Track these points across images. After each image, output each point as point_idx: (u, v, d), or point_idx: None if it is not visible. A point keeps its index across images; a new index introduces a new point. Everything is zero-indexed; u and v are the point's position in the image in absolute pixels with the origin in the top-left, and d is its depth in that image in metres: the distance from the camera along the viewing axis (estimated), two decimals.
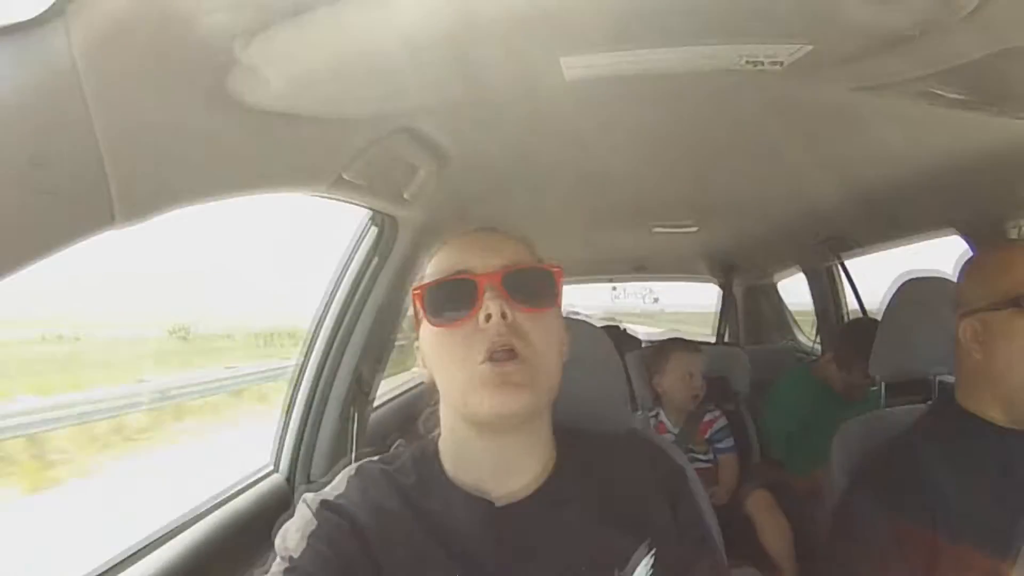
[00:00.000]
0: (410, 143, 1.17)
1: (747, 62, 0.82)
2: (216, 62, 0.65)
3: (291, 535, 0.73)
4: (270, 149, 0.85)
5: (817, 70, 0.85)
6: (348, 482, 0.78)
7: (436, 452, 0.81)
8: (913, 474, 1.10)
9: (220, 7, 0.56)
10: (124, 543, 1.08)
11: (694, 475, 0.97)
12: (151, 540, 1.09)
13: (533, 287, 0.76)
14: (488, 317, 0.71)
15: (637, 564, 0.77)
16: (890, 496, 1.10)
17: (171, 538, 1.11)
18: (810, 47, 0.76)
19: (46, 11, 0.50)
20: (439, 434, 0.82)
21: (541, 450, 0.80)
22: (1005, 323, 1.07)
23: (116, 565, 1.00)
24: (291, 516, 0.75)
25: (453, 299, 0.74)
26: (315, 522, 0.73)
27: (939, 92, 0.91)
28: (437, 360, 0.76)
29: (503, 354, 0.71)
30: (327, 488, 0.78)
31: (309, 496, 0.77)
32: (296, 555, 0.70)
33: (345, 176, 1.07)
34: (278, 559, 0.72)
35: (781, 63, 0.81)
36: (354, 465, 0.81)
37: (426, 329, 0.77)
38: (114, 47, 0.55)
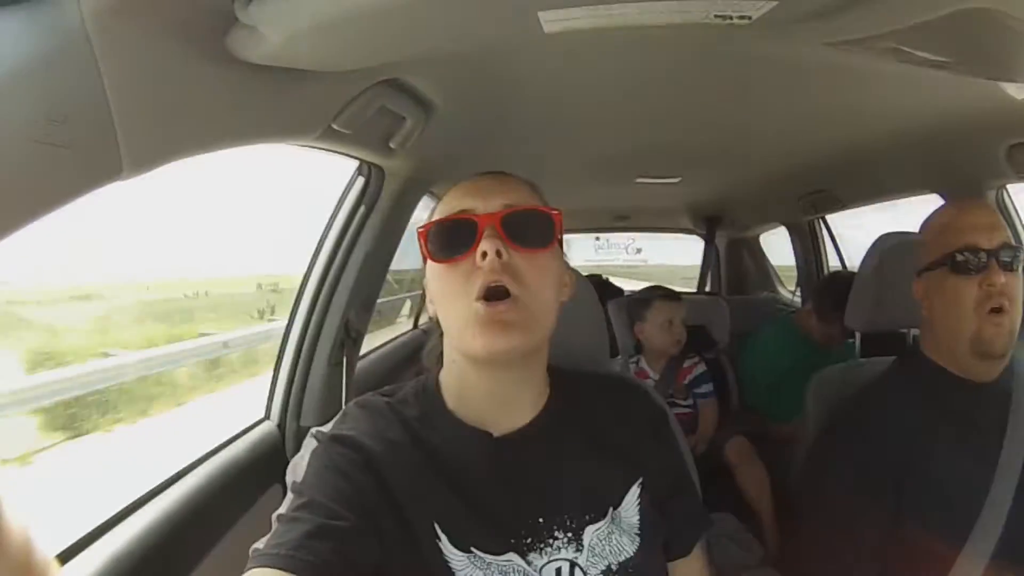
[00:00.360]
0: (396, 94, 1.18)
1: (716, 16, 0.84)
2: (215, 22, 0.67)
3: (302, 469, 0.75)
4: (265, 101, 0.87)
5: (786, 25, 0.87)
6: (354, 415, 0.81)
7: (437, 386, 0.84)
8: (881, 421, 1.14)
9: None
10: None
11: (674, 419, 1.02)
12: (151, 489, 1.14)
13: (531, 228, 0.77)
14: (484, 255, 0.73)
15: (626, 499, 0.81)
16: (860, 442, 1.14)
17: (170, 485, 1.16)
18: (775, 3, 0.78)
19: None
20: (440, 368, 0.85)
21: (537, 386, 0.83)
22: (940, 281, 1.11)
23: (120, 512, 1.05)
24: (302, 454, 0.77)
25: (454, 238, 0.76)
26: (326, 455, 0.75)
27: (906, 49, 0.93)
28: (439, 296, 0.79)
29: (496, 291, 0.73)
30: (333, 422, 0.80)
31: (317, 431, 0.79)
32: (309, 488, 0.72)
33: (334, 126, 1.09)
34: (291, 495, 0.73)
35: (749, 17, 0.83)
36: (358, 399, 0.83)
37: (430, 267, 0.79)
38: (122, 11, 0.58)
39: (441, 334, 0.83)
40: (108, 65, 0.59)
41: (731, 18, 0.85)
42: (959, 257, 1.08)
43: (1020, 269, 1.09)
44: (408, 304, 2.97)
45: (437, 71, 1.17)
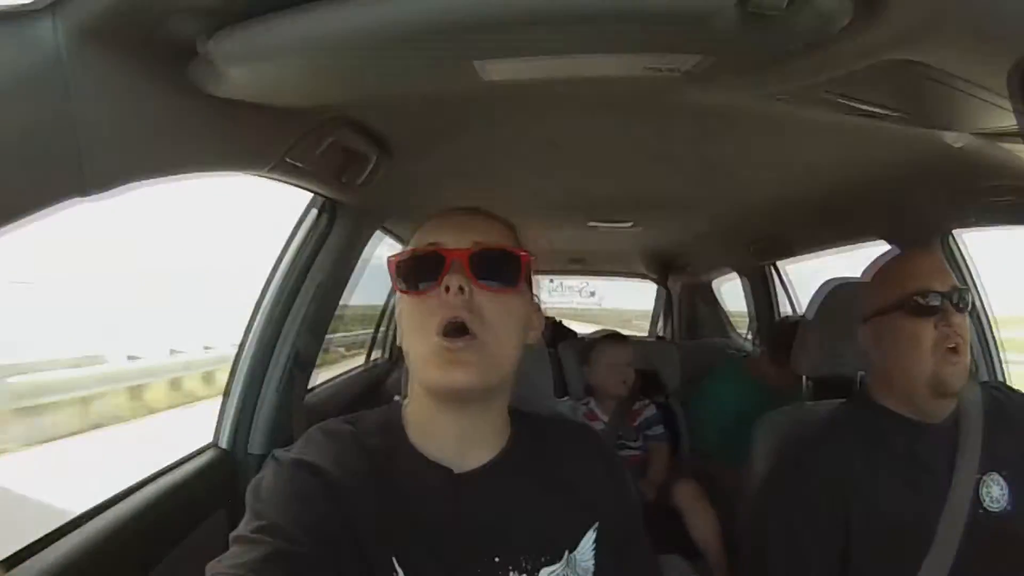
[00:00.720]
0: (349, 131, 1.25)
1: (647, 69, 0.88)
2: (179, 54, 0.74)
3: (264, 492, 0.73)
4: (222, 131, 0.93)
5: (718, 78, 0.91)
6: (318, 440, 0.79)
7: (400, 418, 0.83)
8: (827, 462, 1.14)
9: (186, 9, 0.65)
10: None
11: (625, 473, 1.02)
12: (96, 505, 1.14)
13: (498, 267, 0.78)
14: (447, 289, 0.74)
15: (582, 543, 0.82)
16: (804, 488, 1.14)
17: (114, 504, 1.16)
18: (699, 57, 0.82)
19: (38, 2, 0.59)
20: (404, 400, 0.86)
21: (497, 425, 0.84)
22: (894, 325, 1.13)
23: (59, 528, 1.05)
24: (263, 476, 0.76)
25: (421, 271, 0.77)
26: (288, 479, 0.73)
27: (840, 101, 0.99)
28: (405, 328, 0.80)
29: (456, 327, 0.74)
30: (296, 446, 0.79)
31: (281, 454, 0.77)
32: (269, 511, 0.70)
33: (287, 159, 1.15)
34: (248, 515, 0.71)
35: (677, 70, 0.87)
36: (322, 425, 0.83)
37: (400, 297, 0.81)
38: (95, 39, 0.64)
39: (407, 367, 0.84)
40: (78, 86, 0.65)
41: (661, 71, 0.89)
42: (915, 300, 1.10)
43: (967, 311, 1.12)
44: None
45: (388, 111, 1.23)
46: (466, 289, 0.74)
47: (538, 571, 0.78)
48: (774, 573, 1.13)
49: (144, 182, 0.82)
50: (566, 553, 0.80)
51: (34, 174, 0.66)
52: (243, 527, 0.70)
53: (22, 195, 0.66)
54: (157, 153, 0.83)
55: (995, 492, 1.10)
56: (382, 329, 3.05)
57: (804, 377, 1.81)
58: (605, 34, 0.78)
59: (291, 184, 1.37)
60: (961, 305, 1.11)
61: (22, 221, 0.68)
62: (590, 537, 0.83)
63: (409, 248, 0.81)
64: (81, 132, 0.68)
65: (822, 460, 1.16)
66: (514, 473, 0.82)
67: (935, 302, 1.10)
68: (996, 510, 1.09)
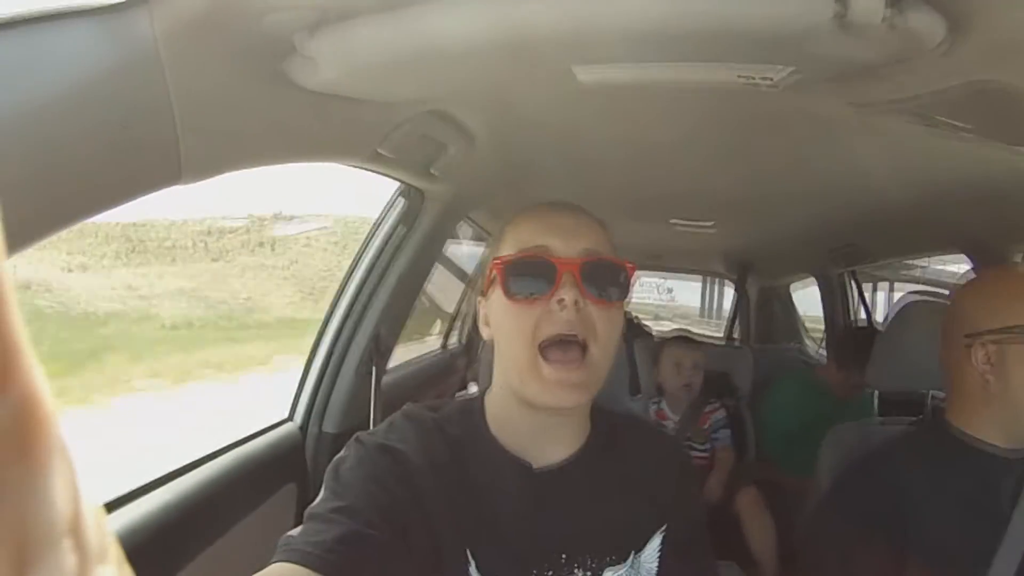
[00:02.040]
0: (439, 123, 1.25)
1: (740, 77, 0.88)
2: (276, 50, 0.75)
3: (344, 473, 0.73)
4: (316, 124, 0.95)
5: (810, 88, 0.90)
6: (402, 426, 0.79)
7: (482, 409, 0.83)
8: (889, 487, 1.11)
9: (284, 6, 0.66)
10: None
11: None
12: (168, 472, 1.17)
13: (607, 279, 0.77)
14: (561, 302, 0.73)
15: (649, 546, 0.82)
16: (864, 505, 1.11)
17: (189, 470, 1.20)
18: (792, 68, 0.82)
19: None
20: (486, 389, 0.86)
21: (580, 425, 0.84)
22: (1015, 349, 1.06)
23: (132, 492, 1.08)
24: (345, 456, 0.76)
25: (531, 277, 0.75)
26: (371, 462, 0.73)
27: (929, 115, 0.96)
28: (503, 330, 0.78)
29: (567, 343, 0.73)
30: (380, 430, 0.79)
31: (366, 437, 0.77)
32: (349, 492, 0.70)
33: (380, 150, 1.16)
34: (326, 494, 0.72)
35: (771, 80, 0.87)
36: (404, 409, 0.83)
37: (498, 298, 0.78)
38: (191, 32, 0.65)
39: (490, 359, 0.84)
40: (174, 78, 0.66)
41: (755, 80, 0.88)
42: None
43: None
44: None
45: (479, 106, 1.23)
46: (580, 304, 0.73)
47: (602, 571, 0.78)
48: None
49: (239, 169, 0.84)
50: (632, 554, 0.80)
51: (133, 161, 0.68)
52: (320, 505, 0.70)
53: (122, 181, 0.69)
54: (251, 143, 0.85)
55: None
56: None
57: (875, 392, 1.74)
58: (701, 46, 0.77)
59: (381, 174, 1.39)
60: None
61: (121, 205, 0.70)
62: (657, 540, 0.82)
63: (515, 250, 0.78)
64: (178, 121, 0.69)
65: (886, 479, 1.12)
66: (589, 471, 0.82)
67: None
68: None
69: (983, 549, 1.04)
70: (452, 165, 1.44)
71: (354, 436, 0.78)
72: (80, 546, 0.20)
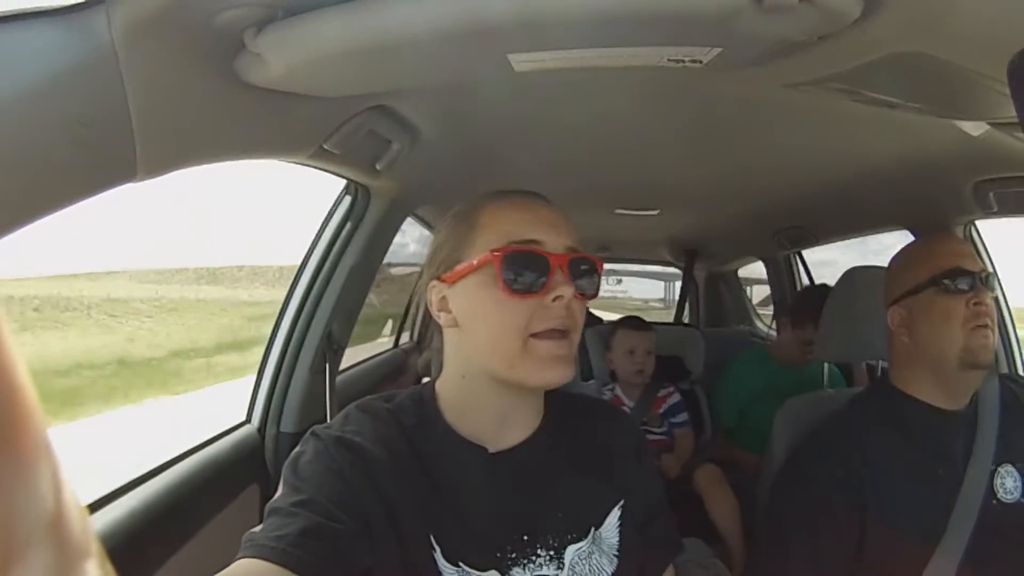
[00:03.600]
0: (384, 119, 1.27)
1: (669, 60, 0.91)
2: (226, 47, 0.77)
3: (302, 467, 0.74)
4: (264, 120, 0.96)
5: (739, 69, 0.94)
6: (357, 418, 0.80)
7: (434, 397, 0.84)
8: (843, 452, 1.16)
9: (235, 4, 0.68)
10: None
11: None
12: (131, 480, 1.17)
13: (587, 275, 0.81)
14: (559, 299, 0.76)
15: (607, 519, 0.84)
16: (823, 468, 1.16)
17: (151, 477, 1.20)
18: (720, 49, 0.85)
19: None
20: (435, 380, 0.87)
21: (536, 408, 0.86)
22: (926, 304, 1.15)
23: (96, 501, 1.08)
24: (303, 451, 0.77)
25: (527, 271, 0.76)
26: (328, 455, 0.74)
27: (858, 90, 1.01)
28: (488, 319, 0.78)
29: (558, 333, 0.77)
30: (336, 423, 0.80)
31: (321, 430, 0.78)
32: (308, 485, 0.71)
33: (325, 146, 1.18)
34: (286, 489, 0.72)
35: (700, 61, 0.90)
36: (359, 402, 0.84)
37: (482, 287, 0.78)
38: (146, 31, 0.66)
39: (440, 347, 0.86)
40: (131, 77, 0.68)
41: (684, 62, 0.92)
42: (947, 279, 1.13)
43: (992, 293, 1.15)
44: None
45: (422, 100, 1.25)
46: (566, 298, 0.76)
47: (564, 548, 0.79)
48: (791, 556, 1.15)
49: (191, 167, 0.86)
50: (592, 530, 0.82)
51: (89, 160, 0.69)
52: (281, 500, 0.71)
53: (77, 180, 0.69)
54: (203, 140, 0.87)
55: (1009, 483, 1.12)
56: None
57: (824, 364, 1.85)
58: (629, 30, 0.81)
59: (327, 171, 1.41)
60: (989, 286, 1.14)
61: (75, 205, 0.70)
62: (615, 514, 0.85)
63: (504, 241, 0.78)
64: (135, 120, 0.70)
65: (841, 445, 1.18)
66: (547, 452, 0.84)
67: (967, 281, 1.13)
68: (1010, 501, 1.11)
69: (941, 503, 1.11)
70: (397, 161, 1.46)
71: (310, 430, 0.79)
72: (64, 541, 0.21)
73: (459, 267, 0.80)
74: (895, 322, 1.21)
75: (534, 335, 0.76)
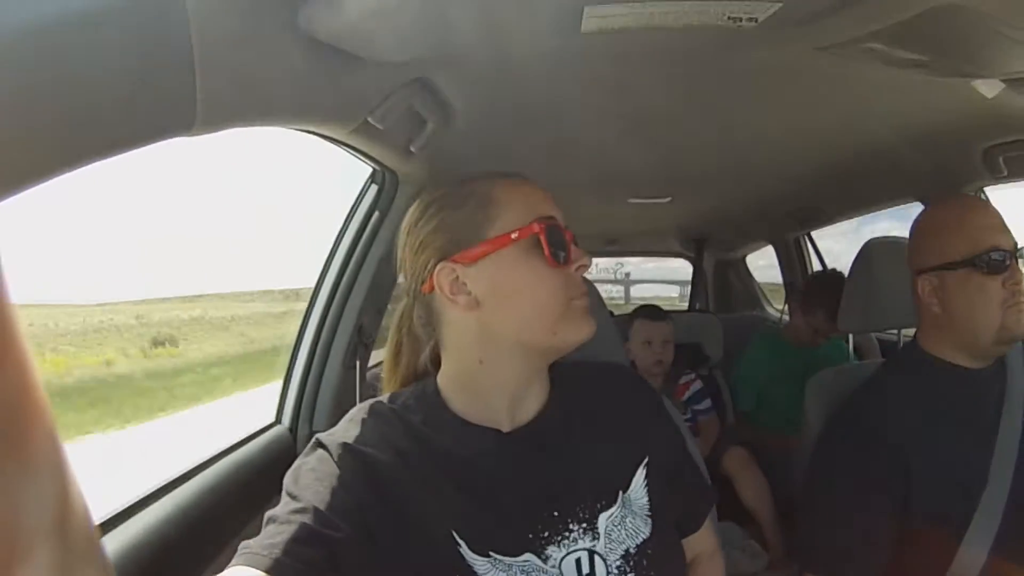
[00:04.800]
0: (424, 95, 1.23)
1: (728, 18, 0.93)
2: None
3: (303, 475, 0.73)
4: (319, 82, 0.91)
5: (784, 29, 0.96)
6: (362, 423, 0.79)
7: (437, 391, 0.84)
8: (881, 414, 1.17)
9: None
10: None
11: (669, 403, 1.05)
12: (162, 485, 1.12)
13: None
14: (583, 267, 0.82)
15: (634, 481, 0.83)
16: (861, 437, 1.16)
17: (181, 483, 1.14)
18: (780, 4, 0.88)
19: None
20: (435, 373, 0.86)
21: (544, 380, 0.85)
22: (962, 280, 1.15)
23: (129, 508, 1.03)
24: (305, 459, 0.76)
25: (562, 245, 0.79)
26: (330, 463, 0.74)
27: (887, 50, 1.02)
28: (529, 292, 0.78)
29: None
30: (339, 429, 0.79)
31: (325, 437, 0.77)
32: (307, 494, 0.70)
33: (369, 119, 1.14)
34: (287, 498, 0.71)
35: (756, 19, 0.93)
36: (363, 405, 0.83)
37: (513, 261, 0.78)
38: None
39: (435, 344, 0.86)
40: (197, 23, 0.62)
41: (741, 20, 0.94)
42: (987, 258, 1.13)
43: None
44: None
45: (464, 73, 1.21)
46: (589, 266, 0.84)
47: (596, 517, 0.78)
48: (840, 520, 1.14)
49: (246, 126, 0.80)
50: (620, 494, 0.81)
51: (148, 102, 0.63)
52: (279, 508, 0.70)
53: (135, 123, 0.64)
54: (261, 97, 0.81)
55: None
56: None
57: (850, 339, 1.86)
58: None
59: (360, 153, 1.35)
60: (1018, 261, 1.14)
61: (129, 152, 0.65)
62: (641, 474, 0.84)
63: (532, 218, 0.79)
64: (198, 64, 0.65)
65: (877, 407, 1.19)
66: (560, 424, 0.83)
67: (1005, 260, 1.13)
68: None
69: (980, 455, 1.11)
70: (430, 142, 1.41)
71: (313, 438, 0.78)
72: (69, 542, 0.22)
73: (480, 245, 0.78)
74: (925, 291, 1.21)
75: (576, 299, 0.80)
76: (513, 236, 0.77)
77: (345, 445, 0.75)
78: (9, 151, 0.50)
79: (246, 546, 0.66)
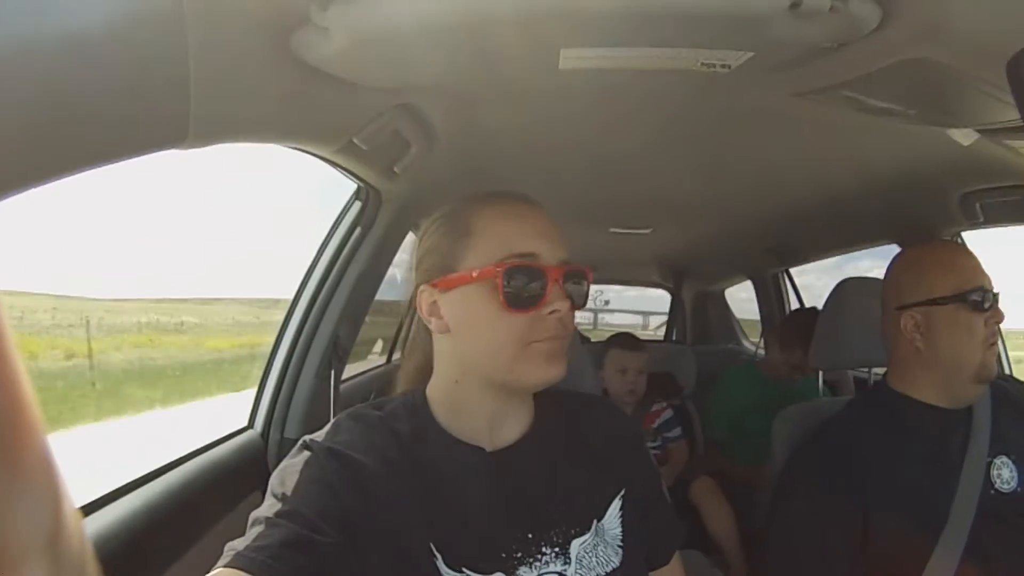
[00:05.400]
0: (409, 119, 1.28)
1: (702, 64, 0.96)
2: (289, 20, 0.77)
3: (289, 478, 0.72)
4: (307, 103, 0.96)
5: (759, 75, 0.99)
6: (348, 427, 0.79)
7: (426, 402, 0.84)
8: (845, 449, 1.19)
9: None
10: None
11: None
12: (132, 481, 1.14)
13: (578, 285, 0.82)
14: (554, 313, 0.77)
15: (609, 511, 0.84)
16: (824, 471, 1.18)
17: (153, 479, 1.16)
18: (752, 54, 0.91)
19: None
20: (424, 386, 0.86)
21: (528, 406, 0.86)
22: (950, 316, 1.18)
23: (95, 501, 1.04)
24: (292, 461, 0.75)
25: (527, 287, 0.77)
26: (317, 466, 0.73)
27: (861, 98, 1.07)
28: (487, 330, 0.78)
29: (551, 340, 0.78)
30: (326, 434, 0.78)
31: (311, 441, 0.77)
32: (295, 497, 0.70)
33: (354, 140, 1.19)
34: (272, 499, 0.71)
35: (729, 66, 0.95)
36: (350, 411, 0.82)
37: (479, 298, 0.78)
38: None
39: (429, 355, 0.86)
40: (194, 39, 0.67)
41: (714, 66, 0.97)
42: (973, 296, 1.17)
43: None
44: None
45: (448, 100, 1.26)
46: (563, 311, 0.78)
47: (569, 543, 0.79)
48: (799, 556, 1.16)
49: (237, 142, 0.85)
50: (594, 522, 0.82)
51: (142, 116, 0.67)
52: (265, 509, 0.69)
53: (128, 136, 0.68)
54: (252, 114, 0.86)
55: (1005, 474, 1.17)
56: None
57: (820, 375, 1.88)
58: (671, 30, 0.86)
59: (346, 171, 1.41)
60: (997, 302, 1.19)
61: (122, 162, 0.69)
62: (616, 505, 0.85)
63: (504, 252, 0.78)
64: (193, 81, 0.69)
65: (841, 444, 1.22)
66: (543, 448, 0.84)
67: (988, 299, 1.17)
68: (1007, 491, 1.15)
69: (941, 495, 1.14)
70: (413, 164, 1.46)
71: (301, 440, 0.78)
72: (62, 556, 0.21)
73: (453, 275, 0.79)
74: (908, 327, 1.23)
75: (543, 343, 0.77)
76: (474, 275, 0.77)
77: (331, 450, 0.74)
78: (10, 154, 0.54)
79: (232, 547, 0.65)
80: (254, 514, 0.69)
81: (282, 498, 0.70)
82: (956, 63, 0.89)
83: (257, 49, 0.78)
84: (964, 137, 1.25)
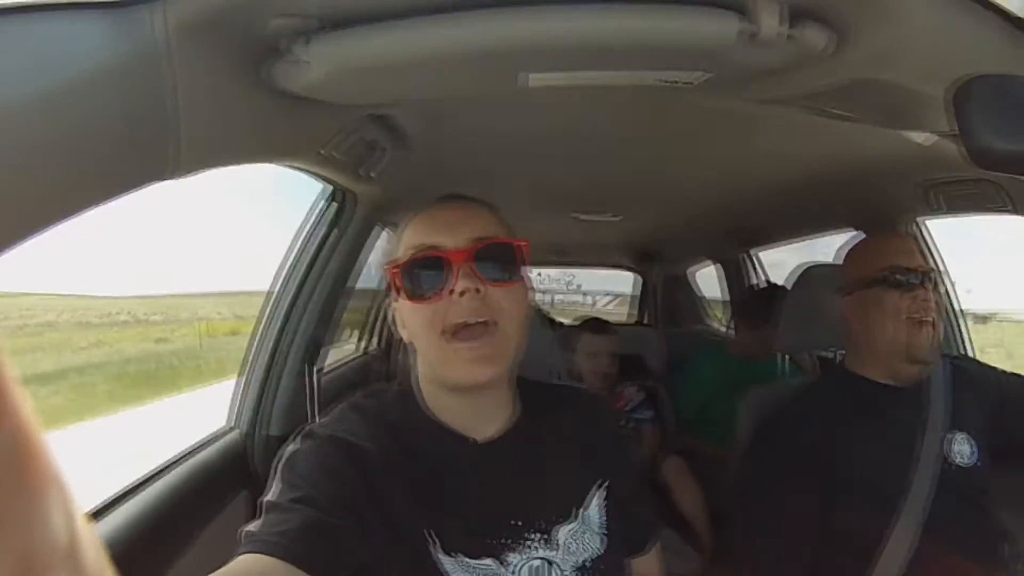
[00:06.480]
0: (380, 127, 1.31)
1: (664, 82, 1.00)
2: (266, 53, 0.80)
3: (299, 463, 0.75)
4: (281, 125, 0.99)
5: (720, 88, 1.03)
6: (350, 417, 0.83)
7: (413, 392, 0.87)
8: (803, 426, 1.26)
9: (291, 13, 0.72)
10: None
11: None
12: (119, 493, 1.15)
13: (501, 261, 0.81)
14: (462, 294, 0.76)
15: (592, 501, 0.87)
16: (786, 442, 1.26)
17: (137, 491, 1.17)
18: (710, 75, 0.95)
19: None
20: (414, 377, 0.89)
21: (508, 400, 0.88)
22: (875, 298, 1.26)
23: (88, 514, 1.05)
24: (298, 448, 0.78)
25: (426, 276, 0.79)
26: (323, 453, 0.76)
27: (821, 108, 1.11)
28: (413, 327, 0.82)
29: (478, 328, 0.77)
30: (330, 422, 0.82)
31: (318, 428, 0.80)
32: (305, 482, 0.73)
33: (322, 151, 1.22)
34: (282, 485, 0.73)
35: (690, 83, 1.00)
36: (351, 400, 0.86)
37: (399, 300, 0.83)
38: (198, 32, 0.68)
39: (414, 351, 0.87)
40: (179, 76, 0.69)
41: (676, 83, 1.01)
42: (891, 275, 1.24)
43: (937, 289, 1.27)
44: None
45: (418, 108, 1.30)
46: (481, 290, 0.77)
47: (554, 529, 0.83)
48: (758, 531, 1.24)
49: (219, 167, 0.88)
50: (578, 511, 0.85)
51: (127, 157, 0.70)
52: (277, 496, 0.72)
53: (114, 176, 0.70)
54: (232, 142, 0.89)
55: (965, 449, 1.24)
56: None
57: (786, 356, 1.95)
58: (634, 58, 0.90)
59: (319, 176, 1.43)
60: (926, 282, 1.25)
61: (109, 202, 0.71)
62: (600, 495, 0.88)
63: (406, 254, 0.81)
64: (176, 120, 0.72)
65: (798, 423, 1.29)
66: (528, 439, 0.87)
67: (904, 277, 1.24)
68: (965, 465, 1.23)
69: (900, 469, 1.21)
70: (385, 167, 1.49)
71: (305, 429, 0.80)
72: (80, 569, 0.21)
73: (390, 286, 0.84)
74: (848, 311, 1.32)
75: (454, 335, 0.77)
76: (384, 274, 0.83)
77: (335, 438, 0.78)
78: (12, 205, 0.57)
79: (250, 533, 0.67)
80: (267, 500, 0.72)
81: (294, 484, 0.72)
82: (909, 84, 0.93)
83: (237, 80, 0.81)
84: (924, 139, 1.28)
